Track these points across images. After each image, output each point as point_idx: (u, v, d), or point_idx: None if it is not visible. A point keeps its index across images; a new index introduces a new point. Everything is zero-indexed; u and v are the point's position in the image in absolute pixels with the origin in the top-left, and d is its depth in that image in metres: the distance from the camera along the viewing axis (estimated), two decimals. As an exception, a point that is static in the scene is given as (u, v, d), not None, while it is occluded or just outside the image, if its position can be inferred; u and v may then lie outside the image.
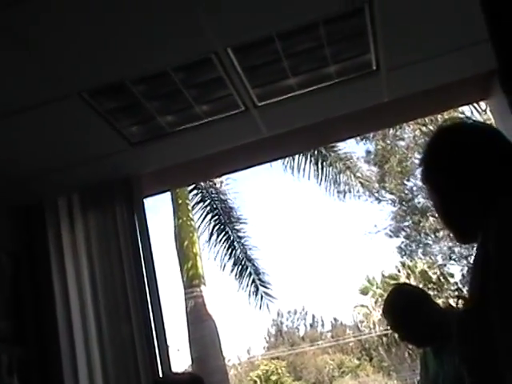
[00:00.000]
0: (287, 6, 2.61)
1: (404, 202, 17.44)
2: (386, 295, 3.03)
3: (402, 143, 16.89)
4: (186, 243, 10.82)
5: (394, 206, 17.59)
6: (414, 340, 2.92)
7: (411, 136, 16.69)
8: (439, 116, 14.87)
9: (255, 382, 20.91)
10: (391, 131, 15.93)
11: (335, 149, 11.13)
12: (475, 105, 13.91)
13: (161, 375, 3.51)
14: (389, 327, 2.94)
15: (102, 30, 2.53)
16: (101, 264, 3.71)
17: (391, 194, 17.28)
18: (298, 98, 3.34)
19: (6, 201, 3.72)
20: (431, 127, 16.04)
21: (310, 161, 10.89)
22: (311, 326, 26.01)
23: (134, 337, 3.55)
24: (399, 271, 20.64)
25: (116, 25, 2.53)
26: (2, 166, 3.41)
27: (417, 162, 16.88)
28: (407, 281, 17.63)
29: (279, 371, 20.64)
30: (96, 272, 3.70)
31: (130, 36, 2.61)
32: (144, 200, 3.85)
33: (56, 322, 3.61)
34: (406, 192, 17.42)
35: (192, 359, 10.41)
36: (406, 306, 2.80)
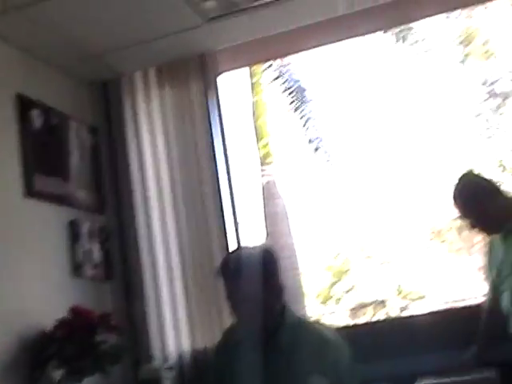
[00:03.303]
0: None
1: (486, 85, 16.76)
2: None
3: (489, 22, 16.00)
4: (260, 121, 10.84)
5: (476, 88, 16.94)
6: (482, 228, 2.91)
7: (500, 15, 15.77)
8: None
9: (325, 258, 21.30)
10: (479, 9, 15.07)
11: (417, 28, 10.68)
12: None
13: (234, 248, 3.64)
14: (459, 215, 2.95)
15: None
16: (176, 138, 3.78)
17: (473, 75, 16.60)
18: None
19: (86, 75, 3.79)
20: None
21: (391, 39, 10.51)
22: (383, 205, 25.97)
23: (207, 210, 3.66)
24: (476, 156, 20.17)
25: None
26: (80, 42, 3.45)
27: (505, 42, 16.06)
28: (484, 166, 17.27)
29: (349, 249, 20.91)
30: (171, 146, 3.77)
31: None
32: (220, 76, 3.85)
33: (133, 192, 3.74)
34: (490, 74, 16.70)
35: (265, 234, 10.69)
36: (475, 195, 2.80)
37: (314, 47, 4.14)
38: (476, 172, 3.08)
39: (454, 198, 2.89)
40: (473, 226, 2.87)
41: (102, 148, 3.85)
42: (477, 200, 2.80)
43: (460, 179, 2.94)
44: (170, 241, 3.70)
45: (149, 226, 3.71)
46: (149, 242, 3.70)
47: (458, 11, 14.05)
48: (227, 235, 3.65)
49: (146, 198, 3.74)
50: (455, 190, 2.89)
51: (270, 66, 10.34)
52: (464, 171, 3.03)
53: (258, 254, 2.32)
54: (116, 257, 3.73)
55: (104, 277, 3.61)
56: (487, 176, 2.93)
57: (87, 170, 3.69)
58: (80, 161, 3.64)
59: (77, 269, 3.41)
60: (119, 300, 3.67)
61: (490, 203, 2.79)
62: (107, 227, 3.71)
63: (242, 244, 3.73)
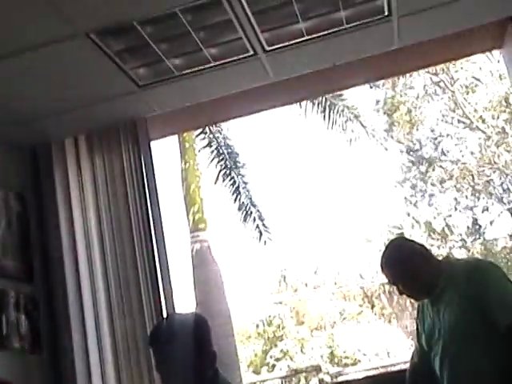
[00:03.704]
0: None
1: (411, 152, 17.35)
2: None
3: (411, 92, 16.70)
4: (192, 187, 10.85)
5: (401, 155, 17.51)
6: (411, 294, 2.91)
7: (421, 85, 16.48)
8: (451, 65, 14.62)
9: (257, 325, 21.17)
10: (401, 80, 15.73)
11: (343, 97, 11.02)
12: (488, 54, 13.66)
13: (165, 315, 3.57)
14: (387, 281, 2.94)
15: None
16: (107, 205, 3.73)
17: (399, 143, 17.18)
18: (308, 43, 3.30)
19: (14, 141, 3.73)
20: (442, 77, 15.82)
21: (318, 108, 10.79)
22: (315, 272, 26.22)
23: (140, 277, 3.60)
24: (404, 221, 20.65)
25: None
26: (10, 107, 3.40)
27: (427, 111, 16.75)
28: (412, 231, 17.68)
29: (282, 316, 20.89)
30: (102, 213, 3.72)
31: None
32: (151, 143, 3.85)
33: (62, 260, 3.65)
34: (414, 142, 17.31)
35: (196, 302, 10.55)
36: (403, 262, 2.78)
37: (245, 115, 4.23)
38: (404, 238, 3.09)
39: (382, 264, 2.89)
40: (401, 292, 2.86)
41: (31, 215, 3.75)
42: (404, 267, 2.79)
43: (387, 246, 2.95)
44: (101, 311, 3.61)
45: (78, 294, 3.61)
46: (79, 310, 3.59)
47: (382, 81, 14.69)
48: (161, 304, 3.59)
49: (76, 267, 3.65)
50: (383, 256, 2.88)
51: (202, 132, 10.45)
52: (392, 237, 3.05)
53: (189, 321, 2.28)
54: (44, 327, 3.60)
55: (31, 348, 3.47)
56: (416, 241, 2.95)
57: (14, 237, 3.58)
58: (6, 228, 3.54)
59: (2, 341, 3.27)
60: (47, 372, 3.52)
61: (417, 270, 2.77)
62: (35, 297, 3.59)
63: (174, 311, 3.67)
